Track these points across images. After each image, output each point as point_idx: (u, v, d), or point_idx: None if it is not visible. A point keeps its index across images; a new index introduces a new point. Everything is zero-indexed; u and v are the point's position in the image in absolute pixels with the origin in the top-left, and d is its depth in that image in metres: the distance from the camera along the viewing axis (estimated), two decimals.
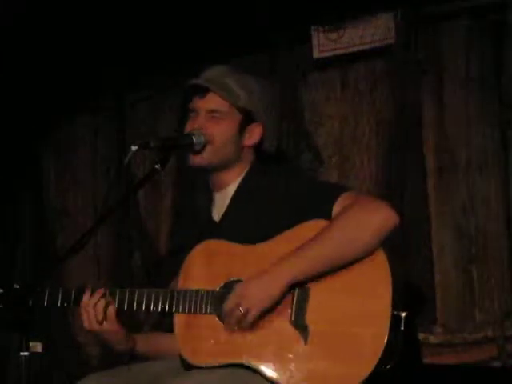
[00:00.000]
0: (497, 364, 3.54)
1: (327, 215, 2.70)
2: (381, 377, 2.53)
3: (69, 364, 4.50)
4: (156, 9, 4.04)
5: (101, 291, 2.81)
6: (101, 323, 2.79)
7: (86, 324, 2.81)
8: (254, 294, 2.62)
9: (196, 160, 2.88)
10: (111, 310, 2.79)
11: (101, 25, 4.15)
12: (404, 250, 3.74)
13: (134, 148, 2.74)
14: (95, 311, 2.79)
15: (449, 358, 3.58)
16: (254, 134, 2.93)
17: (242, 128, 2.91)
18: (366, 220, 2.65)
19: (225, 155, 2.89)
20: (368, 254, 2.64)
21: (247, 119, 2.91)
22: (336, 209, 2.71)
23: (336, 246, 2.63)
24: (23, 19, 4.11)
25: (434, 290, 3.76)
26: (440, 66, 3.88)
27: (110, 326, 2.80)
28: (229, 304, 2.64)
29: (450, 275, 3.77)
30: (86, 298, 2.81)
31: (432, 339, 3.64)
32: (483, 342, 3.60)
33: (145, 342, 2.92)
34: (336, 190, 2.76)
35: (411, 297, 2.67)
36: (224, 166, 2.90)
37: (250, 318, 2.63)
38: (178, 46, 4.24)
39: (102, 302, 2.79)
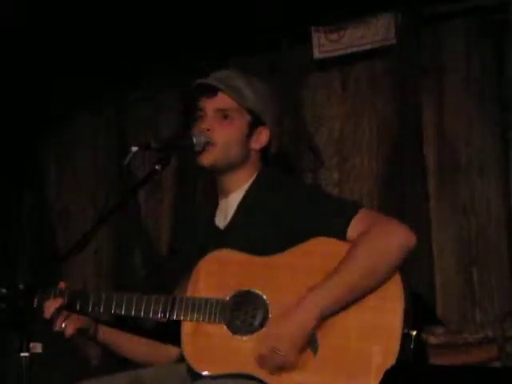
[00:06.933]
0: (497, 364, 3.54)
1: (340, 234, 2.68)
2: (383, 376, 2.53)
3: (69, 364, 4.50)
4: (156, 8, 4.04)
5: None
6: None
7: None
8: (289, 337, 2.58)
9: (202, 159, 2.86)
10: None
11: (101, 25, 4.15)
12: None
13: (134, 149, 2.74)
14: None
15: (449, 359, 3.57)
16: (261, 138, 2.91)
17: (251, 130, 2.90)
18: (386, 247, 2.62)
19: (230, 156, 2.86)
20: None
21: (255, 122, 2.90)
22: (351, 230, 2.68)
23: (361, 277, 2.60)
24: (23, 18, 4.11)
25: (434, 290, 3.76)
26: (440, 65, 3.88)
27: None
28: (264, 349, 2.60)
29: (451, 275, 3.77)
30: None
31: (432, 340, 3.64)
32: (483, 342, 3.60)
33: (107, 336, 2.93)
34: (350, 209, 2.72)
35: (412, 297, 2.66)
36: (230, 167, 2.88)
37: (290, 360, 2.59)
38: (179, 45, 4.23)
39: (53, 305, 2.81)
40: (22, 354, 2.44)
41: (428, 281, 3.74)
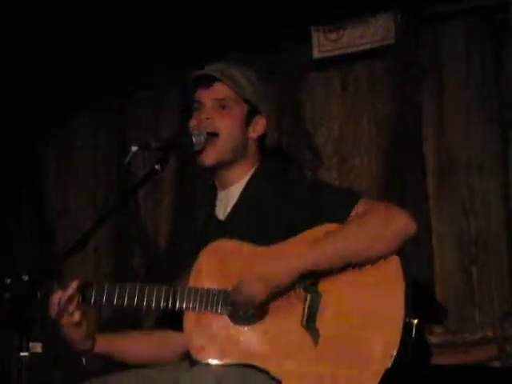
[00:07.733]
0: (497, 364, 3.54)
1: (344, 220, 2.68)
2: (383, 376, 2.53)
3: (69, 364, 4.50)
4: (156, 8, 4.04)
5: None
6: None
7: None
8: (263, 279, 2.62)
9: (203, 159, 2.86)
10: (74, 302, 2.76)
11: (101, 24, 4.15)
12: (404, 250, 3.73)
13: (134, 148, 2.73)
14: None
15: (449, 359, 3.58)
16: (258, 127, 2.91)
17: (248, 120, 2.90)
18: (384, 226, 2.63)
19: (232, 149, 2.85)
20: (383, 258, 2.64)
21: (252, 111, 2.90)
22: (354, 215, 2.70)
23: (352, 247, 2.61)
24: (23, 18, 4.11)
25: (434, 290, 3.76)
26: (440, 65, 3.89)
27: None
28: (242, 284, 2.65)
29: (450, 275, 3.77)
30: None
31: (432, 339, 3.64)
32: (483, 342, 3.60)
33: (106, 343, 2.88)
34: (351, 198, 2.73)
35: (413, 287, 2.66)
36: (232, 160, 2.87)
37: (256, 301, 2.64)
38: (178, 45, 4.24)
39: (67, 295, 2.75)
40: (22, 354, 2.44)
41: (428, 280, 3.75)
